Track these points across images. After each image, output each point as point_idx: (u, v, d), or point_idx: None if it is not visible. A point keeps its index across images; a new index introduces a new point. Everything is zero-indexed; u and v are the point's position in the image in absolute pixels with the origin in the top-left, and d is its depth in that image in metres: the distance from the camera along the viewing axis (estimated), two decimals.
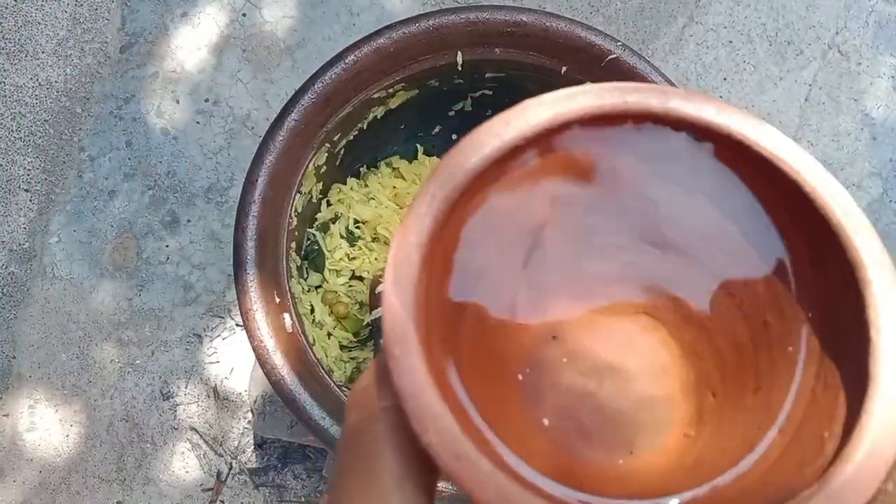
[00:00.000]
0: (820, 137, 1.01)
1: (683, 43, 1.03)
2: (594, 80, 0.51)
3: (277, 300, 0.48)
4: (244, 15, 1.04)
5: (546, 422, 0.18)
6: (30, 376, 0.96)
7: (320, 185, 0.57)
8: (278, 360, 0.46)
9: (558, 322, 0.19)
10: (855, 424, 0.15)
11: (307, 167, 0.52)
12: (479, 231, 0.19)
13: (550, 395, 0.19)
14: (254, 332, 0.45)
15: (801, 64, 1.03)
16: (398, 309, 0.17)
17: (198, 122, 1.01)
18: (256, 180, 0.48)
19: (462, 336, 0.19)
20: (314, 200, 0.58)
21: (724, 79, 1.02)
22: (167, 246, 0.98)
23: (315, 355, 0.50)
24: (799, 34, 1.04)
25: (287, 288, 0.50)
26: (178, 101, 1.01)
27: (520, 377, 0.19)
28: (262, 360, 0.46)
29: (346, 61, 0.49)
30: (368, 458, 0.17)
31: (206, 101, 1.02)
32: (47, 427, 0.95)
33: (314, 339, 0.54)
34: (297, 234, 0.54)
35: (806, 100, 1.02)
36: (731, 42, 1.03)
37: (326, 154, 0.54)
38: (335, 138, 0.54)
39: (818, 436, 0.16)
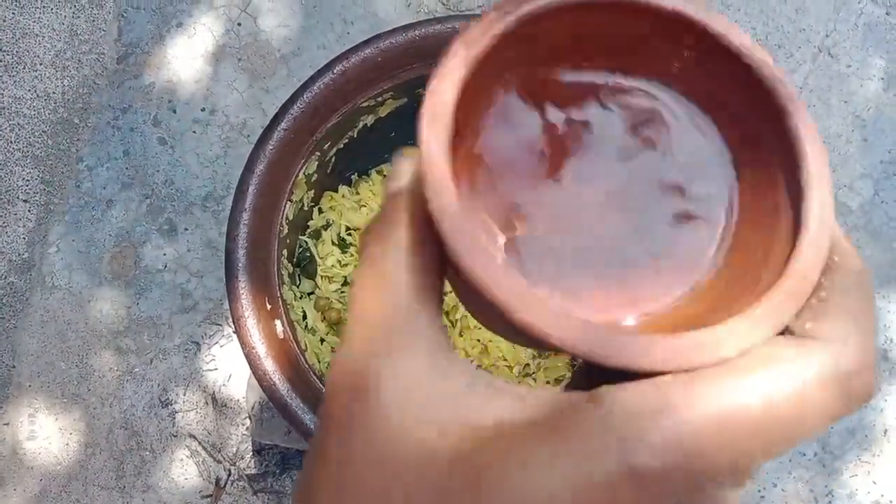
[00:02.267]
0: None
1: None
2: None
3: (269, 307, 0.49)
4: (239, 25, 1.05)
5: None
6: (30, 385, 0.97)
7: (311, 194, 0.58)
8: (269, 365, 0.46)
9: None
10: (789, 259, 0.18)
11: (298, 176, 0.53)
12: (496, 120, 0.22)
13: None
14: (245, 338, 0.46)
15: (792, 67, 1.04)
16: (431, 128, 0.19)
17: (194, 132, 1.02)
18: (247, 189, 0.49)
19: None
20: (305, 208, 0.59)
21: None
22: (165, 254, 0.99)
23: (307, 361, 0.51)
24: (789, 37, 1.05)
25: (279, 295, 0.50)
26: (174, 111, 1.02)
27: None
28: (253, 366, 0.46)
29: (335, 71, 0.50)
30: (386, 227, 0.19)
31: (203, 110, 1.03)
32: (47, 435, 0.96)
33: (306, 345, 0.55)
34: (288, 241, 0.55)
35: None
36: None
37: (317, 162, 0.55)
38: (325, 147, 0.55)
39: (756, 273, 0.20)
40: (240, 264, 0.47)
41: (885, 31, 1.05)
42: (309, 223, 0.62)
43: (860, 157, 1.02)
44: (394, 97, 0.55)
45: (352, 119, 0.55)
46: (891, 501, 0.96)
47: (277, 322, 0.49)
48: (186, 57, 1.04)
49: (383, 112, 0.57)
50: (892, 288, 0.99)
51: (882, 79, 1.04)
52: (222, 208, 1.00)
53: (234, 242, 0.47)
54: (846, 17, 1.05)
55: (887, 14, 1.05)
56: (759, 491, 0.95)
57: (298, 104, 0.50)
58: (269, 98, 1.03)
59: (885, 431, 0.96)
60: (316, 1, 1.05)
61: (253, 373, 0.46)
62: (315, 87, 0.50)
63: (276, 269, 0.50)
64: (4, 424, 0.96)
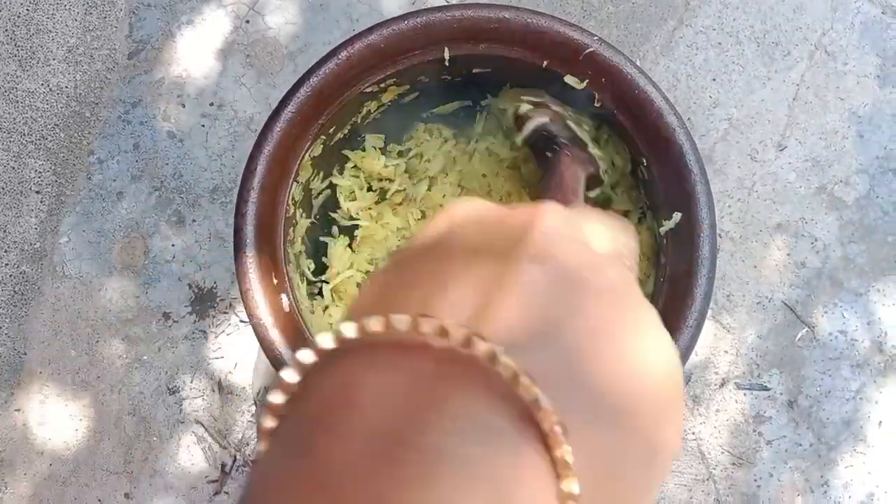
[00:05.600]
0: (808, 136, 1.04)
1: (674, 45, 1.06)
2: (573, 73, 0.54)
3: (275, 281, 0.51)
4: (247, 22, 1.07)
5: None
6: (40, 372, 0.99)
7: (319, 175, 0.60)
8: (276, 336, 0.48)
9: None
10: None
11: (303, 158, 0.55)
12: None
13: None
14: (253, 310, 0.48)
15: (789, 64, 1.06)
16: None
17: (203, 126, 1.04)
18: (255, 168, 0.51)
19: None
20: (311, 190, 0.61)
21: (714, 79, 1.05)
22: (173, 245, 1.02)
23: (312, 336, 0.53)
24: (786, 35, 1.06)
25: (284, 271, 0.53)
26: (183, 105, 1.05)
27: None
28: (260, 336, 0.48)
29: (340, 57, 0.52)
30: None
31: (211, 104, 1.05)
32: (57, 421, 0.98)
33: (311, 323, 0.57)
34: (294, 221, 0.57)
35: (794, 99, 1.05)
36: (720, 44, 1.06)
37: (322, 146, 0.57)
38: (330, 131, 0.57)
39: None
40: (248, 239, 0.49)
41: (880, 29, 1.07)
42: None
43: (856, 153, 1.03)
44: (396, 83, 0.58)
45: (356, 105, 0.58)
46: (885, 492, 0.97)
47: (283, 296, 0.51)
48: (196, 53, 1.07)
49: (386, 98, 0.59)
50: (887, 282, 1.00)
51: (878, 76, 1.05)
52: (230, 200, 1.03)
53: (243, 219, 0.50)
54: (843, 16, 1.07)
55: (883, 13, 1.07)
56: (756, 481, 0.97)
57: (305, 88, 0.52)
58: (276, 93, 1.05)
59: (880, 423, 0.98)
60: None
61: (259, 343, 0.48)
62: (321, 72, 0.52)
63: (282, 246, 0.53)
64: (16, 410, 0.98)
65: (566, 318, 0.19)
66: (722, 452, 0.97)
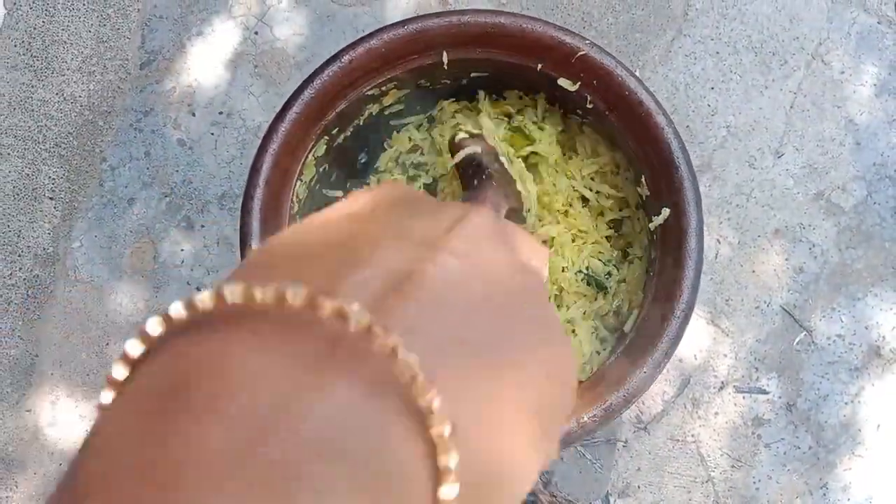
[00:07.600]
0: (805, 143, 1.06)
1: (672, 55, 1.08)
2: (566, 75, 0.56)
3: None
4: (256, 33, 1.10)
5: None
6: (51, 374, 1.01)
7: (323, 170, 0.63)
8: None
9: None
10: None
11: (307, 157, 0.57)
12: None
13: None
14: None
15: (786, 73, 1.08)
16: None
17: (212, 134, 1.07)
18: (261, 167, 0.53)
19: None
20: (316, 188, 0.63)
21: (712, 88, 1.07)
22: (182, 250, 1.04)
23: None
24: (783, 45, 1.08)
25: None
26: (193, 114, 1.08)
27: None
28: None
29: (342, 60, 0.55)
30: None
31: (221, 113, 1.08)
32: (68, 422, 1.00)
33: None
34: (298, 219, 0.59)
35: (791, 107, 1.07)
36: (717, 53, 1.08)
37: (325, 146, 0.59)
38: (334, 132, 0.59)
39: None
40: (253, 234, 0.51)
41: (876, 39, 1.08)
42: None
43: (853, 160, 1.05)
44: (397, 87, 0.60)
45: (358, 107, 0.60)
46: (884, 495, 0.98)
47: None
48: (206, 63, 1.09)
49: (387, 101, 0.61)
50: (885, 287, 1.02)
51: (874, 84, 1.07)
52: (238, 206, 1.05)
53: (249, 215, 0.52)
54: (839, 25, 1.09)
55: (878, 23, 1.09)
56: (755, 483, 0.97)
57: (309, 90, 0.54)
58: (283, 102, 1.08)
59: (878, 426, 0.99)
60: (329, 11, 1.11)
61: None
62: (324, 75, 0.55)
63: None
64: (27, 411, 1.00)
65: (473, 312, 0.19)
66: (721, 455, 0.98)
